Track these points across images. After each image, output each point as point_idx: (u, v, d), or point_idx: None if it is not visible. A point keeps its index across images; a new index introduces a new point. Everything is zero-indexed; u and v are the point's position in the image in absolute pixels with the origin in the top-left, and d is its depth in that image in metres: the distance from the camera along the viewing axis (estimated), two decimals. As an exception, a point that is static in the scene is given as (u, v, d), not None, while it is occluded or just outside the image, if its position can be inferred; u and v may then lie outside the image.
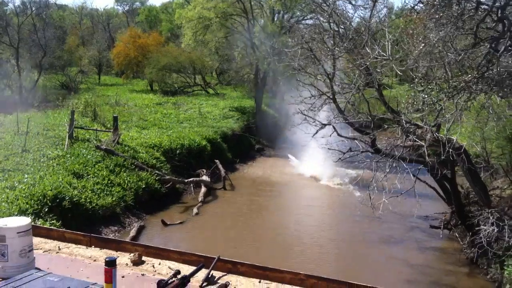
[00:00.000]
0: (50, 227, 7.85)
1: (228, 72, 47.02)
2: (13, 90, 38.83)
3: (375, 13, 18.21)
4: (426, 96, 12.74)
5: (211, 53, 44.33)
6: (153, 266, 5.26)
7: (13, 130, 23.18)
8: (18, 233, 4.80)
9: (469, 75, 11.38)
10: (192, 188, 21.70)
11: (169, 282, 4.50)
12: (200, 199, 20.44)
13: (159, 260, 5.37)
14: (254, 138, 31.71)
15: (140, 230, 16.96)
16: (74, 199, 15.77)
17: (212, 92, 46.27)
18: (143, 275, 5.05)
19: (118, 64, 53.63)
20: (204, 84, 47.97)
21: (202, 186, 21.58)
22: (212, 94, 44.91)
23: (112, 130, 22.72)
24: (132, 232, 16.41)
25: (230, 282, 4.80)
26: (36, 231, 5.87)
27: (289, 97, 21.83)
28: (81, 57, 52.51)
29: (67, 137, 21.35)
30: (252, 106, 36.54)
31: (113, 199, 17.40)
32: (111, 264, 4.26)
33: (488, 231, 13.00)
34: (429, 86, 12.83)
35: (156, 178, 20.23)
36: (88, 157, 19.47)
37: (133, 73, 54.70)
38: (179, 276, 4.67)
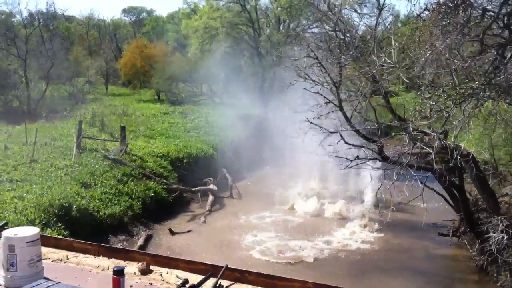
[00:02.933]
0: (59, 237, 7.85)
1: (235, 81, 47.13)
2: (21, 101, 39.02)
3: (381, 21, 18.24)
4: (433, 103, 12.72)
5: (217, 62, 44.46)
6: (161, 275, 5.23)
7: (21, 140, 23.33)
8: (27, 242, 4.80)
9: (476, 82, 11.35)
10: (199, 196, 21.71)
11: (177, 291, 4.49)
12: (207, 207, 20.45)
13: (167, 269, 5.35)
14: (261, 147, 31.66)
15: (148, 239, 16.97)
16: (82, 209, 15.83)
17: (219, 101, 46.35)
18: (151, 284, 5.04)
19: (125, 74, 53.88)
20: (210, 93, 48.07)
21: (210, 195, 21.59)
22: (218, 103, 44.98)
23: (119, 140, 22.80)
24: (140, 241, 16.43)
25: (238, 291, 4.79)
26: (45, 240, 5.86)
27: (295, 106, 21.84)
28: (88, 67, 52.76)
29: (74, 147, 21.44)
30: (258, 115, 36.51)
31: (121, 208, 17.44)
32: (119, 273, 4.26)
33: (497, 238, 12.93)
34: (436, 93, 12.80)
35: (164, 187, 20.27)
36: (96, 166, 19.55)
37: (140, 83, 54.90)
38: (187, 285, 4.65)
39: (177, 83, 47.08)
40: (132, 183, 19.30)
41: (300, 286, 4.87)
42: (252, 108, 37.92)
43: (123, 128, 22.82)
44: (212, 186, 22.30)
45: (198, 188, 21.93)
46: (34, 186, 16.48)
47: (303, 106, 17.31)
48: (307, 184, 23.70)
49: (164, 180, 20.75)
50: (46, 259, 5.55)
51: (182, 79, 46.48)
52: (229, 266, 5.12)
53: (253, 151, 28.04)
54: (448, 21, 11.55)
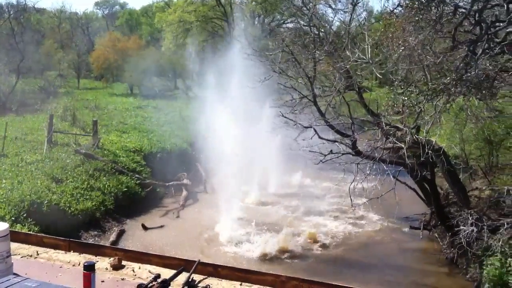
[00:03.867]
0: (28, 232, 7.74)
1: (209, 75, 46.89)
2: (-10, 95, 38.25)
3: (354, 16, 18.42)
4: (405, 98, 12.84)
5: (191, 56, 44.22)
6: (133, 270, 5.20)
7: (-10, 134, 22.87)
8: (-5, 238, 4.72)
9: (448, 78, 11.48)
10: (173, 191, 21.60)
11: (149, 286, 4.46)
12: (181, 202, 20.36)
13: (139, 264, 5.32)
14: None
15: (120, 234, 16.81)
16: (53, 204, 15.60)
17: (193, 95, 46.07)
18: (123, 279, 5.00)
19: (98, 67, 53.23)
20: (184, 87, 47.79)
21: (183, 190, 21.49)
22: (193, 97, 44.70)
23: (91, 134, 22.53)
24: (112, 237, 16.28)
25: (211, 285, 4.77)
26: (14, 236, 5.78)
27: (270, 100, 21.89)
28: (60, 61, 51.95)
29: (45, 141, 21.12)
30: (232, 109, 36.38)
31: (93, 203, 17.24)
32: (89, 268, 4.21)
33: (467, 231, 13.14)
34: (408, 89, 12.95)
35: (137, 182, 20.11)
36: (67, 161, 19.29)
37: (112, 76, 54.33)
38: (159, 280, 4.62)
39: (150, 77, 46.67)
40: (104, 178, 19.10)
41: (273, 280, 4.89)
42: (227, 103, 37.77)
43: (95, 123, 22.56)
44: (185, 181, 22.21)
45: (171, 182, 21.83)
46: (4, 181, 16.18)
47: (278, 101, 17.34)
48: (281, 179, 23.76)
49: (137, 175, 20.58)
50: (15, 255, 5.47)
51: (155, 73, 46.11)
52: (202, 261, 5.11)
53: (227, 146, 27.96)
54: (421, 17, 11.67)
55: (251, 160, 24.13)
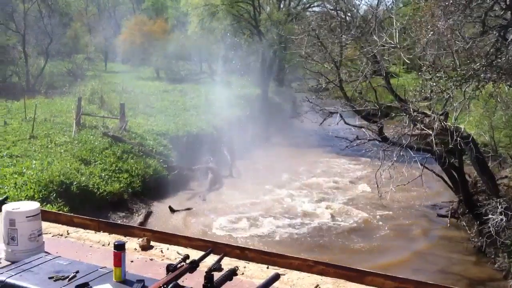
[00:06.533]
0: (59, 212, 7.88)
1: (235, 60, 46.87)
2: (20, 77, 38.80)
3: (382, 0, 18.12)
4: (434, 84, 12.69)
5: (217, 40, 44.13)
6: (162, 251, 5.27)
7: (20, 116, 23.28)
8: (27, 217, 4.80)
9: (478, 64, 11.32)
10: (199, 175, 21.75)
11: (178, 266, 4.51)
12: (207, 186, 20.50)
13: (167, 245, 5.38)
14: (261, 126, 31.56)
15: (148, 216, 17.04)
16: (82, 185, 15.87)
17: (219, 79, 46.10)
18: (151, 259, 5.07)
19: (124, 51, 53.49)
20: (210, 72, 47.81)
21: (209, 173, 21.62)
22: (218, 82, 44.75)
23: (119, 117, 22.76)
24: (140, 218, 16.51)
25: (238, 267, 4.82)
26: (45, 215, 5.88)
27: (296, 85, 21.81)
28: (87, 44, 52.34)
29: (74, 123, 21.42)
30: (258, 94, 36.38)
31: (121, 185, 17.46)
32: (120, 248, 4.26)
33: (496, 220, 12.98)
34: (437, 75, 12.77)
35: (163, 165, 20.28)
36: (96, 143, 19.54)
37: (139, 60, 54.55)
38: (188, 261, 4.68)
39: (176, 61, 46.74)
40: (132, 160, 19.30)
41: (299, 264, 4.91)
42: (252, 87, 37.77)
43: (122, 106, 22.76)
44: (211, 165, 22.34)
45: (197, 166, 21.97)
46: (34, 162, 16.48)
47: (303, 86, 17.29)
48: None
49: (164, 158, 20.76)
50: (47, 233, 5.58)
51: (182, 57, 46.14)
52: (229, 244, 5.16)
53: (254, 130, 28.01)
54: (450, 1, 11.49)
55: (279, 145, 24.15)
